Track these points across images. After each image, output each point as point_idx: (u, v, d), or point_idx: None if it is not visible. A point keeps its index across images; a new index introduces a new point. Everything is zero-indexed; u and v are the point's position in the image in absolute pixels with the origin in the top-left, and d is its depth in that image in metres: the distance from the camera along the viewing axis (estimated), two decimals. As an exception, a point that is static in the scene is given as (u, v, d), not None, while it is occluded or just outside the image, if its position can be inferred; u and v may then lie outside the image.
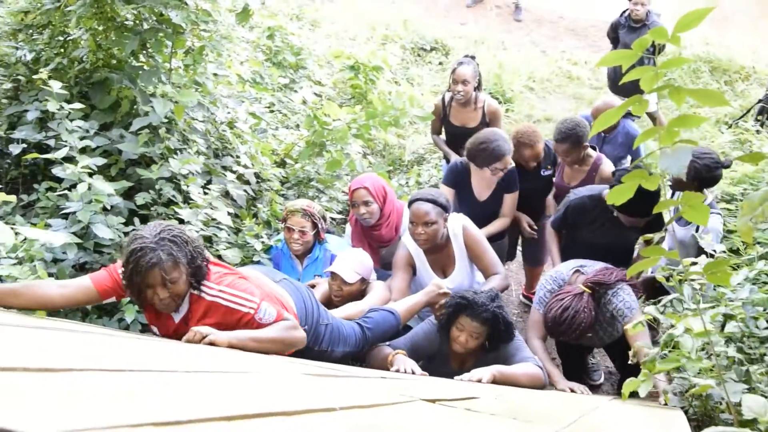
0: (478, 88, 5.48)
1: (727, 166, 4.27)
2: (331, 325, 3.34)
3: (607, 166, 4.91)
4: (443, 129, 5.72)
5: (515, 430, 1.45)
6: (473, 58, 5.57)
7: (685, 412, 3.14)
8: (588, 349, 4.55)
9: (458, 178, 4.82)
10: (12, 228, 3.40)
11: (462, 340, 3.60)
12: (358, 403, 1.43)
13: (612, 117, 1.68)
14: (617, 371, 4.60)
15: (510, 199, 4.83)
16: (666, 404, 3.11)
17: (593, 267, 3.95)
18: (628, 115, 5.95)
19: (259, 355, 2.33)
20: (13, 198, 2.85)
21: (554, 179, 5.15)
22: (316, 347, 3.20)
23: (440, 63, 10.46)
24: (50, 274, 3.76)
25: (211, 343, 2.35)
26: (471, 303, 3.59)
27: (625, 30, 7.41)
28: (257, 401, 1.17)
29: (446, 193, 4.50)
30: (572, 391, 3.72)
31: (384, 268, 4.52)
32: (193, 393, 1.14)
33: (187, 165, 4.34)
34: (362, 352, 3.64)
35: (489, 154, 4.52)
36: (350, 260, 3.98)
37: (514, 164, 4.72)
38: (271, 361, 2.13)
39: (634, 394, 3.05)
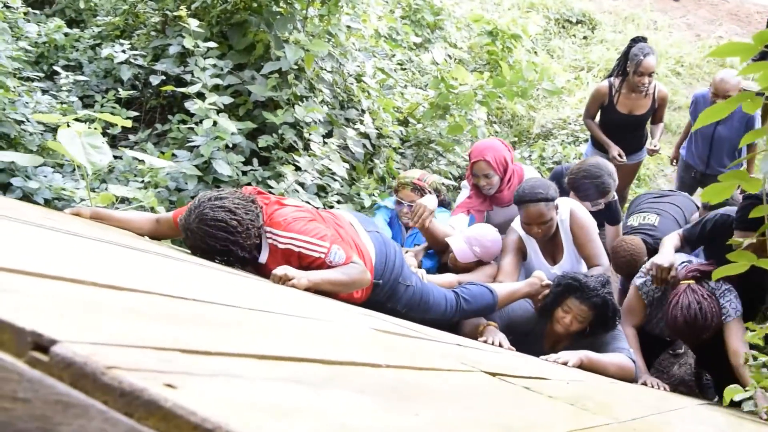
0: None
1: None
2: (415, 288, 3.34)
3: None
4: (600, 116, 5.44)
5: (561, 414, 1.43)
6: (645, 40, 5.28)
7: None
8: (663, 345, 4.37)
9: (559, 184, 4.56)
10: (135, 153, 3.66)
11: (566, 321, 3.54)
12: (410, 364, 1.45)
13: (716, 114, 1.58)
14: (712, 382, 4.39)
15: (613, 232, 4.51)
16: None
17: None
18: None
19: (336, 304, 2.40)
20: (128, 122, 3.05)
21: None
22: (389, 304, 3.23)
23: (584, 37, 10.08)
24: (171, 202, 4.01)
25: (293, 286, 2.46)
26: (582, 286, 3.52)
27: None
28: (301, 346, 1.22)
29: None
30: (644, 384, 3.62)
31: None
32: (241, 329, 1.20)
33: (312, 113, 4.46)
34: (452, 321, 3.64)
35: (594, 191, 4.28)
36: (473, 238, 3.94)
37: (616, 196, 4.46)
38: (347, 312, 2.19)
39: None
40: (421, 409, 1.03)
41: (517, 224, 4.10)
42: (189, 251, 2.79)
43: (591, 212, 4.24)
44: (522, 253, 4.14)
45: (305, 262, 2.69)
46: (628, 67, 5.13)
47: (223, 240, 2.64)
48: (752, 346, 3.24)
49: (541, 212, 3.85)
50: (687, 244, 4.16)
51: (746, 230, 3.40)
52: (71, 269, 1.17)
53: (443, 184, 4.97)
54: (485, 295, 3.62)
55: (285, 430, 0.69)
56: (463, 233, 4.00)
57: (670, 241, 4.12)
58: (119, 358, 0.74)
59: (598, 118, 5.47)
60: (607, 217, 4.47)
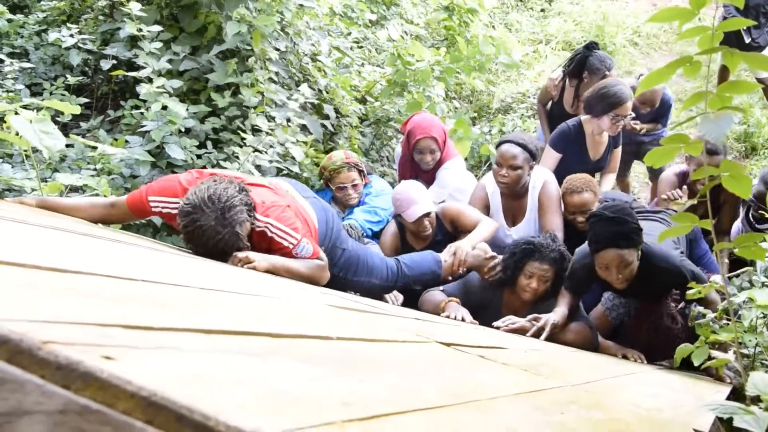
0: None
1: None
2: (350, 251, 3.43)
3: None
4: (550, 104, 5.47)
5: (513, 379, 1.46)
6: (595, 45, 5.31)
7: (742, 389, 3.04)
8: None
9: (569, 142, 4.63)
10: (87, 140, 3.60)
11: (534, 286, 3.56)
12: (363, 337, 1.47)
13: (660, 77, 1.60)
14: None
15: (616, 154, 4.77)
16: (727, 379, 3.02)
17: None
18: None
19: (292, 284, 2.41)
20: (77, 109, 3.00)
21: None
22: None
23: (542, 10, 10.11)
24: (126, 189, 3.95)
25: (253, 269, 2.47)
26: (537, 246, 3.57)
27: None
28: (250, 321, 1.23)
29: (552, 158, 4.50)
30: (625, 357, 3.57)
31: None
32: (190, 307, 1.20)
33: (265, 93, 4.42)
34: (396, 287, 3.73)
35: (611, 99, 4.35)
36: (418, 195, 3.97)
37: (633, 114, 4.63)
38: (303, 290, 2.19)
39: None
40: (367, 376, 1.04)
41: (487, 179, 4.19)
42: (141, 236, 2.78)
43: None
44: (486, 209, 4.22)
45: (274, 248, 2.73)
46: (586, 76, 5.04)
47: (246, 213, 2.62)
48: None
49: (516, 155, 3.98)
50: (577, 295, 3.64)
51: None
52: (13, 253, 1.16)
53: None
54: (426, 259, 3.70)
55: (221, 396, 0.70)
56: (411, 205, 3.95)
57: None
58: (57, 333, 0.74)
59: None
60: (612, 143, 4.71)
